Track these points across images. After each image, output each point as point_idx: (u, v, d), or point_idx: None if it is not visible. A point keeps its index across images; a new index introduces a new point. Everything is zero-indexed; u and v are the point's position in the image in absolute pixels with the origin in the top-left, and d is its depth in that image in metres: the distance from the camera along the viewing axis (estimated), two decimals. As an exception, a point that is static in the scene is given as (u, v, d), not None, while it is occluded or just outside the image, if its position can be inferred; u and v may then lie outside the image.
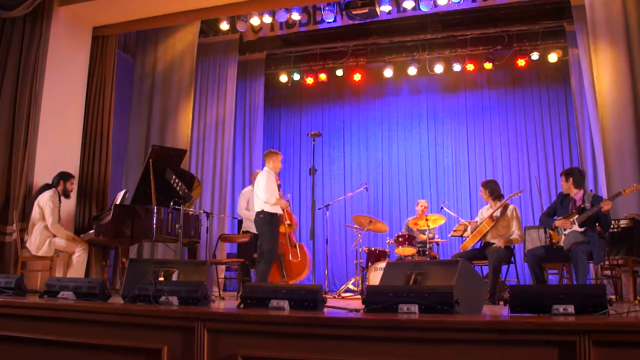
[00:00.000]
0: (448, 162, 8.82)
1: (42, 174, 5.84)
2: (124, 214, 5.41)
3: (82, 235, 5.77)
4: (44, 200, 5.36)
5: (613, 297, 5.23)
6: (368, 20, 7.66)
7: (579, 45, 6.90)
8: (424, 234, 6.87)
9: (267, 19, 7.74)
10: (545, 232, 5.23)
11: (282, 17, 7.59)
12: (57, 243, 5.35)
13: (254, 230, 5.85)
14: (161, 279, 3.13)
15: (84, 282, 3.22)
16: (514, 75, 8.65)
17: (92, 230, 5.66)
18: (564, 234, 4.77)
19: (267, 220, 5.43)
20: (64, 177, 5.61)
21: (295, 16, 7.71)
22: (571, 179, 4.92)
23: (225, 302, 4.67)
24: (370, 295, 2.69)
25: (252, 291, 2.83)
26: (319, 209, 7.08)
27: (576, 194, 4.91)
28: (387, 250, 6.81)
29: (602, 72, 5.91)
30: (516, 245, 5.33)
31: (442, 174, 8.81)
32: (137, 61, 8.05)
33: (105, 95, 6.81)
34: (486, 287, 4.31)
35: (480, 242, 5.47)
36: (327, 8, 7.50)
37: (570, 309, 2.33)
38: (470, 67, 8.39)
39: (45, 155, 5.98)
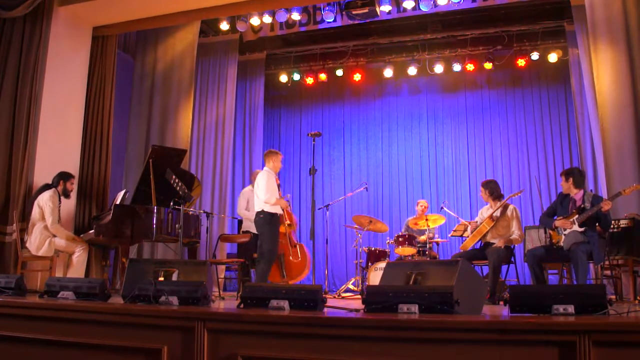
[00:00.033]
0: (448, 162, 8.82)
1: (42, 174, 5.84)
2: (124, 214, 5.41)
3: (82, 235, 5.77)
4: (44, 200, 5.36)
5: (613, 297, 5.23)
6: (368, 20, 7.66)
7: (579, 45, 6.90)
8: (424, 234, 6.87)
9: (267, 19, 7.74)
10: (545, 232, 5.23)
11: (282, 17, 7.59)
12: (57, 243, 5.35)
13: (254, 230, 5.85)
14: (161, 279, 3.13)
15: (84, 282, 3.22)
16: (514, 75, 8.65)
17: (92, 230, 5.66)
18: (564, 234, 4.77)
19: (267, 220, 5.43)
20: (64, 177, 5.61)
21: (295, 16, 7.71)
22: (571, 179, 4.92)
23: (225, 302, 4.67)
24: (370, 295, 2.69)
25: (252, 291, 2.83)
26: (319, 209, 7.08)
27: (576, 194, 4.91)
28: (387, 250, 6.81)
29: (602, 72, 5.91)
30: (516, 245, 5.33)
31: (442, 174, 8.81)
32: (137, 61, 8.05)
33: (105, 95, 6.81)
34: (486, 287, 4.30)
35: (480, 242, 5.47)
36: (327, 8, 7.50)
37: (570, 309, 2.33)
38: (470, 67, 8.39)
39: (45, 155, 5.98)
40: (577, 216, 4.73)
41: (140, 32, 7.95)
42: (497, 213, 5.36)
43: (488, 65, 8.31)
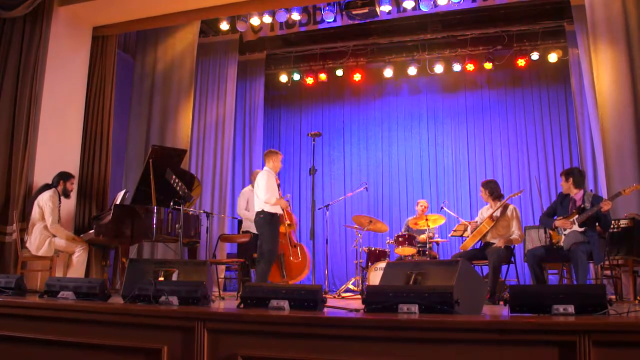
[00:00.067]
0: (448, 162, 8.82)
1: (42, 174, 5.84)
2: (124, 214, 5.41)
3: (82, 235, 5.77)
4: (44, 200, 5.36)
5: (613, 297, 5.23)
6: (368, 20, 7.66)
7: (579, 45, 6.90)
8: (424, 234, 6.88)
9: (267, 19, 7.74)
10: (545, 232, 5.23)
11: (282, 17, 7.59)
12: (57, 243, 5.35)
13: (254, 230, 5.85)
14: (161, 279, 3.13)
15: (84, 282, 3.22)
16: (514, 75, 8.65)
17: (92, 230, 5.66)
18: (564, 234, 4.77)
19: (267, 220, 5.43)
20: (64, 177, 5.61)
21: (295, 16, 7.71)
22: (571, 179, 4.92)
23: (225, 302, 4.67)
24: (370, 295, 2.68)
25: (252, 291, 2.83)
26: (319, 209, 7.08)
27: (576, 194, 4.91)
28: (387, 250, 6.81)
29: (602, 72, 5.91)
30: (516, 245, 5.33)
31: (442, 174, 8.81)
32: (137, 61, 8.05)
33: (105, 95, 6.81)
34: (486, 287, 4.30)
35: (480, 242, 5.47)
36: (327, 8, 7.50)
37: (570, 309, 2.33)
38: (470, 67, 8.39)
39: (45, 155, 5.98)
40: (577, 216, 4.73)
41: (140, 32, 7.95)
42: (497, 213, 5.36)
43: (488, 65, 8.31)
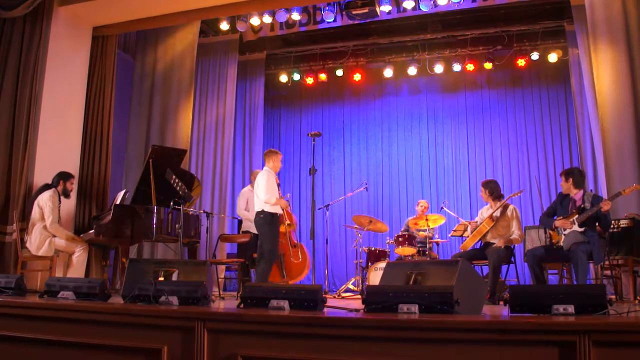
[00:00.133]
0: (448, 162, 8.82)
1: (42, 174, 5.84)
2: (124, 214, 5.41)
3: (82, 235, 5.77)
4: (44, 200, 5.36)
5: (613, 297, 5.23)
6: (368, 20, 7.66)
7: (579, 45, 6.90)
8: (424, 233, 6.89)
9: (267, 19, 7.74)
10: (545, 232, 5.23)
11: (282, 17, 7.59)
12: (57, 243, 5.35)
13: (253, 230, 5.85)
14: (161, 279, 3.13)
15: (84, 282, 3.22)
16: (514, 75, 8.66)
17: (92, 230, 5.66)
18: (564, 234, 4.77)
19: (267, 220, 5.43)
20: (63, 177, 5.61)
21: (295, 16, 7.71)
22: (571, 179, 4.92)
23: (225, 302, 4.67)
24: (370, 295, 2.68)
25: (252, 291, 2.83)
26: (319, 209, 7.08)
27: (576, 194, 4.91)
28: (387, 250, 6.81)
29: (602, 72, 5.91)
30: (516, 245, 5.33)
31: (442, 174, 8.81)
32: (137, 61, 8.05)
33: (105, 95, 6.81)
34: (486, 287, 4.30)
35: (480, 242, 5.47)
36: (327, 8, 7.50)
37: (570, 309, 2.33)
38: (470, 67, 8.39)
39: (45, 155, 5.98)
40: (577, 216, 4.73)
41: (140, 32, 7.95)
42: (497, 213, 5.36)
43: (488, 65, 8.31)
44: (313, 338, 2.32)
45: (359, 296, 6.08)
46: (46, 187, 5.50)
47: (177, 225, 5.16)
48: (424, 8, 7.18)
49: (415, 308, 2.48)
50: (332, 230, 8.51)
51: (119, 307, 2.77)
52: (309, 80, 9.10)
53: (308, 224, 6.55)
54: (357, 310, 2.62)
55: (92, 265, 6.03)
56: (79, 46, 6.58)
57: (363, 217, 6.87)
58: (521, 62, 8.21)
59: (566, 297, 2.38)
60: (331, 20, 7.66)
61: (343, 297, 6.24)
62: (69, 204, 6.09)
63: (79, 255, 5.41)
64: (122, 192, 5.82)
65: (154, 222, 5.34)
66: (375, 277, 6.19)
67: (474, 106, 8.85)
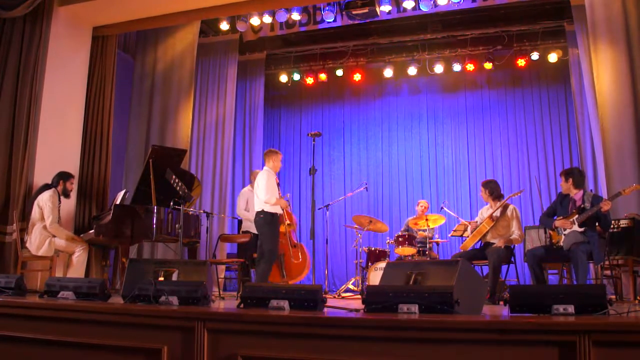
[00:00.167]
0: (448, 162, 8.82)
1: (42, 174, 5.84)
2: (124, 214, 5.41)
3: (82, 235, 5.77)
4: (44, 200, 5.36)
5: (613, 297, 5.23)
6: (368, 20, 7.66)
7: (579, 45, 6.90)
8: (424, 232, 6.89)
9: (267, 19, 7.74)
10: (545, 232, 5.23)
11: (282, 17, 7.60)
12: (57, 243, 5.35)
13: (253, 230, 5.85)
14: (161, 279, 3.13)
15: (84, 282, 3.22)
16: (514, 75, 8.66)
17: (92, 230, 5.66)
18: (564, 234, 4.77)
19: (267, 220, 5.43)
20: (63, 177, 5.61)
21: (295, 16, 7.71)
22: (571, 179, 4.92)
23: (225, 302, 4.67)
24: (370, 295, 2.68)
25: (252, 291, 2.83)
26: (319, 209, 7.08)
27: (576, 194, 4.91)
28: (387, 250, 6.81)
29: (602, 72, 5.91)
30: (516, 245, 5.33)
31: (442, 174, 8.81)
32: (137, 61, 8.05)
33: (105, 95, 6.81)
34: (486, 287, 4.30)
35: (480, 242, 5.47)
36: (327, 8, 7.50)
37: (570, 309, 2.33)
38: (470, 67, 8.39)
39: (45, 155, 5.98)
40: (577, 216, 4.73)
41: (140, 32, 7.95)
42: (497, 213, 5.36)
43: (488, 65, 8.31)
44: (313, 338, 2.32)
45: (359, 296, 6.08)
46: (46, 187, 5.50)
47: (177, 225, 5.16)
48: (424, 8, 7.18)
49: (415, 308, 2.48)
50: (332, 230, 8.51)
51: (119, 307, 2.77)
52: (309, 80, 9.10)
53: (308, 224, 6.55)
54: (357, 310, 2.62)
55: (92, 265, 6.04)
56: (79, 46, 6.58)
57: (363, 217, 6.86)
58: (521, 62, 8.21)
59: (566, 297, 2.38)
60: (331, 20, 7.66)
61: (343, 297, 6.24)
62: (69, 204, 6.09)
63: (79, 255, 5.41)
64: (122, 192, 5.82)
65: (154, 222, 5.34)
66: (375, 277, 6.19)
67: (474, 106, 8.85)
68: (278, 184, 5.88)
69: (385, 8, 7.31)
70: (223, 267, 6.97)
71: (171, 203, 5.18)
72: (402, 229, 7.27)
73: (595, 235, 4.71)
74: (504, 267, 5.21)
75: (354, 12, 7.16)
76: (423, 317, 2.34)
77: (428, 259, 6.58)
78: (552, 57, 8.10)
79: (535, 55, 8.12)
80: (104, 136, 6.73)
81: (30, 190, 5.79)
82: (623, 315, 2.28)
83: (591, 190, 6.30)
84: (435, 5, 7.22)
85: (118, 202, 5.62)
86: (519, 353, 2.06)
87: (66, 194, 5.65)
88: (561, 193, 5.07)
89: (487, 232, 5.34)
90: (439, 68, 8.50)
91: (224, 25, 8.01)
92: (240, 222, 6.87)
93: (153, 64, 7.88)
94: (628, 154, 5.63)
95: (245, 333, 2.44)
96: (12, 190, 5.74)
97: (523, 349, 2.06)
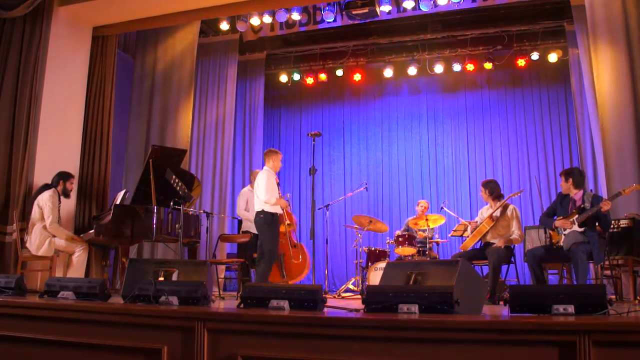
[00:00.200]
0: (448, 162, 8.82)
1: (42, 174, 5.84)
2: (124, 214, 5.41)
3: (82, 235, 5.77)
4: (44, 200, 5.36)
5: (613, 297, 5.23)
6: (368, 20, 7.66)
7: (579, 45, 6.90)
8: (424, 233, 6.88)
9: (267, 19, 7.74)
10: (545, 232, 5.23)
11: (282, 17, 7.60)
12: (57, 243, 5.35)
13: (253, 230, 5.85)
14: (161, 279, 3.13)
15: (84, 282, 3.22)
16: (514, 75, 8.66)
17: (92, 230, 5.66)
18: (564, 234, 4.77)
19: (267, 220, 5.42)
20: (63, 176, 5.61)
21: (295, 16, 7.71)
22: (571, 179, 4.92)
23: (225, 302, 4.67)
24: (370, 295, 2.68)
25: (252, 291, 2.83)
26: (319, 209, 7.08)
27: (576, 194, 4.91)
28: (387, 250, 6.81)
29: (602, 72, 5.91)
30: (516, 245, 5.33)
31: (442, 174, 8.81)
32: (137, 61, 8.05)
33: (105, 95, 6.81)
34: (486, 287, 4.30)
35: (480, 242, 5.47)
36: (327, 8, 7.50)
37: (570, 309, 2.33)
38: (470, 67, 8.39)
39: (45, 155, 5.98)
40: (576, 216, 4.73)
41: (140, 32, 7.95)
42: (497, 213, 5.36)
43: (488, 65, 8.31)
44: (313, 338, 2.32)
45: (359, 296, 6.08)
46: (46, 187, 5.50)
47: (177, 225, 5.16)
48: (424, 8, 7.18)
49: (415, 308, 2.48)
50: (332, 230, 8.51)
51: (119, 307, 2.77)
52: (309, 80, 9.10)
53: (308, 224, 6.55)
54: (357, 310, 2.62)
55: (92, 265, 6.04)
56: (79, 46, 6.58)
57: (363, 217, 6.86)
58: (521, 62, 8.21)
59: (566, 297, 2.38)
60: (331, 20, 7.66)
61: (343, 297, 6.24)
62: (69, 204, 6.09)
63: (79, 255, 5.41)
64: (122, 192, 5.82)
65: (154, 222, 5.34)
66: (375, 277, 6.19)
67: (474, 106, 8.85)
68: (278, 184, 5.88)
69: (385, 8, 7.31)
70: (223, 267, 6.97)
71: (171, 203, 5.18)
72: (402, 229, 7.27)
73: (595, 235, 4.71)
74: (504, 267, 5.21)
75: (354, 12, 7.16)
76: (423, 317, 2.34)
77: (428, 259, 6.58)
78: (552, 57, 8.10)
79: (535, 55, 8.12)
80: (104, 136, 6.73)
81: (30, 190, 5.79)
82: (623, 315, 2.28)
83: (591, 190, 6.30)
84: (435, 5, 7.22)
85: (118, 202, 5.62)
86: (519, 353, 2.06)
87: (66, 194, 5.65)
88: (561, 193, 5.07)
89: (487, 232, 5.34)
90: (439, 68, 8.50)
91: (224, 25, 8.01)
92: (240, 222, 6.87)
93: (153, 64, 7.88)
94: (628, 154, 5.63)
95: (245, 333, 2.44)
96: (12, 190, 5.74)
97: (523, 349, 2.06)
